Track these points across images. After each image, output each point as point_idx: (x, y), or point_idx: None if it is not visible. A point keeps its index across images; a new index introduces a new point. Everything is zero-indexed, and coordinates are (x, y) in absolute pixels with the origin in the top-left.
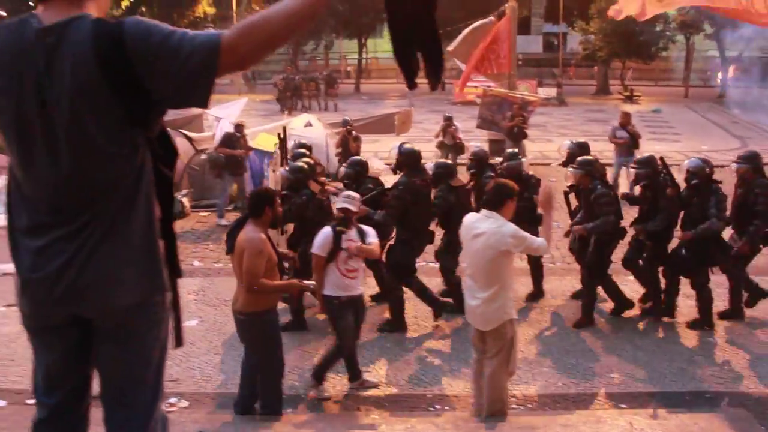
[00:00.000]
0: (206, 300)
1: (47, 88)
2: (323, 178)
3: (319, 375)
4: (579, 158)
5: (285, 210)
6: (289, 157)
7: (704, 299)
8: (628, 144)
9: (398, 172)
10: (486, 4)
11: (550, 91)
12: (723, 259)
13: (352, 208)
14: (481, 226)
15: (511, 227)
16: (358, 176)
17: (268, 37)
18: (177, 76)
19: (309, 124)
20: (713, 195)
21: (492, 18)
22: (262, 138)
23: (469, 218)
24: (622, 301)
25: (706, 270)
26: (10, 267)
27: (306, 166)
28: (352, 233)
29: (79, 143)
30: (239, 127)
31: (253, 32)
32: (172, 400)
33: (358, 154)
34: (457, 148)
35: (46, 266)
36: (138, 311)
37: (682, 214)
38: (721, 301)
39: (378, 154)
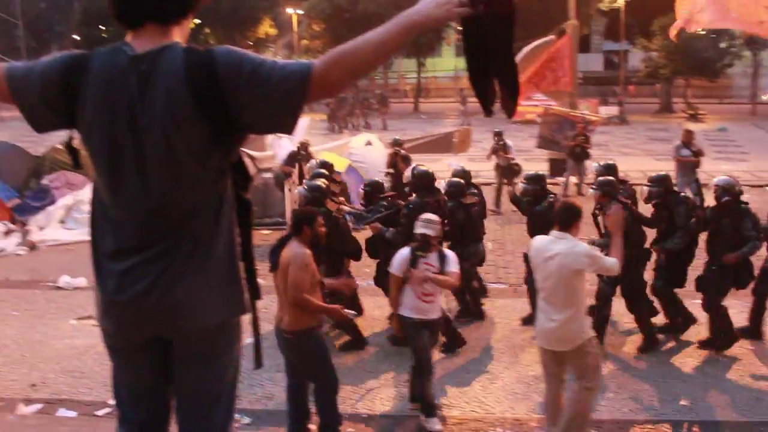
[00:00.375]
0: (268, 318)
1: (140, 114)
2: (341, 198)
3: (427, 408)
4: (599, 178)
5: None
6: (307, 176)
7: (723, 319)
8: (692, 162)
9: (413, 193)
10: (546, 23)
11: (611, 110)
12: (749, 280)
13: (431, 233)
14: (553, 247)
15: (585, 246)
16: (371, 195)
17: (355, 67)
18: (267, 104)
19: (369, 143)
20: (747, 216)
21: (552, 36)
22: (325, 156)
23: (540, 241)
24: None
25: (727, 291)
26: (81, 281)
27: (323, 185)
28: (433, 257)
29: (169, 169)
30: (303, 145)
31: (342, 62)
32: (236, 416)
33: None
34: (512, 169)
35: (130, 289)
36: (218, 332)
37: (706, 234)
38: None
39: (437, 173)
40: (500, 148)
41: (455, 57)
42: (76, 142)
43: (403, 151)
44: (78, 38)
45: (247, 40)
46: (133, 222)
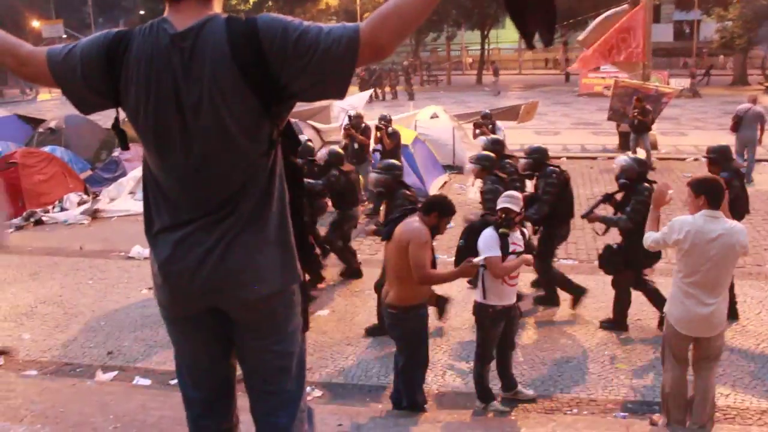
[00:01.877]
0: (336, 290)
1: (185, 93)
2: None
3: (482, 394)
4: (479, 153)
5: None
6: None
7: (622, 302)
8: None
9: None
10: None
11: (683, 82)
12: (650, 261)
13: (515, 208)
14: (715, 228)
15: (742, 226)
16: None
17: (401, 25)
18: (315, 70)
19: (435, 116)
20: (636, 195)
21: (625, 6)
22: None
23: (697, 221)
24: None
25: (632, 273)
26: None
27: None
28: (517, 235)
29: (220, 144)
30: (358, 117)
31: (388, 22)
32: (306, 389)
33: (396, 149)
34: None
35: (186, 257)
36: (276, 300)
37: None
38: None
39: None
40: (487, 132)
41: None
42: (123, 124)
43: (390, 128)
44: (143, 13)
45: (308, 13)
46: (186, 197)
